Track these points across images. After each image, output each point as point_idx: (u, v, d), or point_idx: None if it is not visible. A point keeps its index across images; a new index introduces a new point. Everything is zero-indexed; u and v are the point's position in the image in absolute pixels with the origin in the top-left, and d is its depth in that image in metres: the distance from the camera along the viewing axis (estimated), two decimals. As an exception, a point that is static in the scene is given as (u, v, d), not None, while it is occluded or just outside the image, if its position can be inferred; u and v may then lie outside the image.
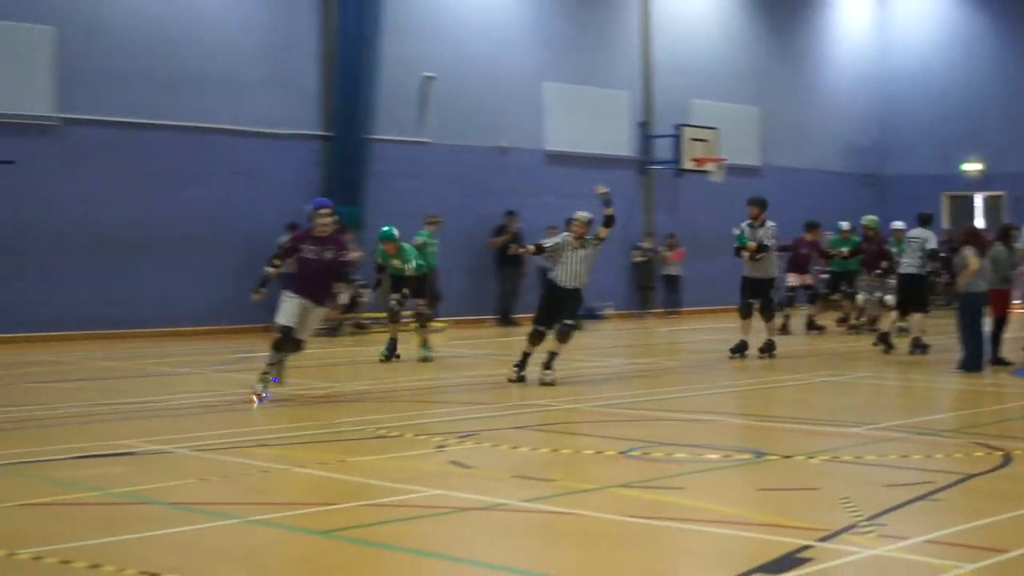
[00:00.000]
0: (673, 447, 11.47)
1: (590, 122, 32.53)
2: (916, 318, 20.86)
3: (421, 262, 19.66)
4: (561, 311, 16.52)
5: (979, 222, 36.76)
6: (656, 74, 34.28)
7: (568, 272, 16.46)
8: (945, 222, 37.96)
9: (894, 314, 21.67)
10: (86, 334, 24.18)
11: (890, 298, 22.60)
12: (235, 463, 10.61)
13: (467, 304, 29.19)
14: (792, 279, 26.26)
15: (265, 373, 14.41)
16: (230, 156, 26.28)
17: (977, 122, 38.70)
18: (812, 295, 26.24)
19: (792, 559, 7.36)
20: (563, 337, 16.43)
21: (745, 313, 20.38)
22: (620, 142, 33.30)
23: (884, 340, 21.12)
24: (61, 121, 24.29)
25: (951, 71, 39.34)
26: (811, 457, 10.91)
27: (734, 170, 33.58)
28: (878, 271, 24.06)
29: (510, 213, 28.48)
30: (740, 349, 20.18)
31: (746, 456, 11.10)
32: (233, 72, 26.36)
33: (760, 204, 20.40)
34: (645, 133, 33.79)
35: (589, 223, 16.60)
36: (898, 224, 24.88)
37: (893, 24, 40.91)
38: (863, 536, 7.96)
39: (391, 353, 19.56)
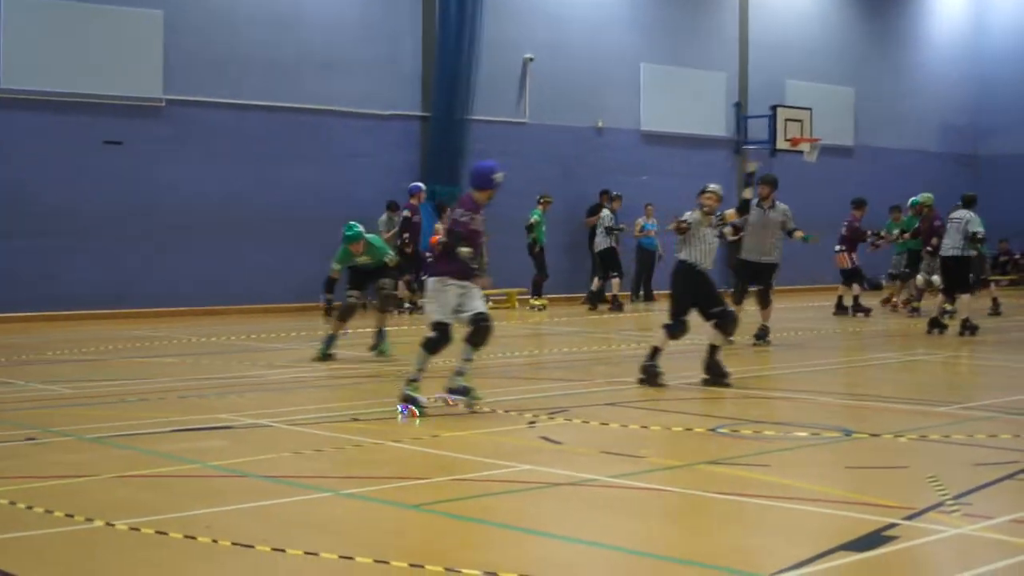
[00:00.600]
0: (762, 424, 11.54)
1: (686, 102, 32.51)
2: (963, 300, 20.68)
3: (390, 251, 17.76)
4: (699, 298, 14.42)
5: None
6: (751, 55, 34.16)
7: (702, 252, 14.33)
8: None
9: (940, 296, 21.41)
10: (188, 310, 24.59)
11: (936, 279, 22.41)
12: (329, 437, 10.79)
13: (562, 282, 29.26)
14: (842, 260, 25.09)
15: (414, 380, 12.02)
16: (330, 136, 26.55)
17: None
18: (851, 275, 24.99)
19: (877, 537, 7.41)
20: (728, 327, 14.62)
21: (740, 299, 19.28)
22: (715, 122, 33.27)
23: (935, 324, 20.71)
24: (167, 102, 24.67)
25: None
26: (899, 436, 10.92)
27: (828, 150, 33.38)
28: (928, 249, 23.69)
29: (605, 192, 28.52)
30: (763, 335, 19.26)
31: (834, 434, 11.11)
32: (334, 54, 26.62)
33: (772, 183, 19.25)
34: (740, 113, 33.71)
35: (721, 199, 14.83)
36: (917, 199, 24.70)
37: (989, 2, 40.46)
38: (949, 515, 7.99)
39: (328, 349, 16.72)
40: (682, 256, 14.40)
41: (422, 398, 11.92)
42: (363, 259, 16.90)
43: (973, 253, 20.79)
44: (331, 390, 14.13)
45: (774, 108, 33.02)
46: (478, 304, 12.11)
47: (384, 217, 25.77)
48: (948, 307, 21.24)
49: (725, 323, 14.39)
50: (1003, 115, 39.45)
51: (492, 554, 7.18)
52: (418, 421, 11.67)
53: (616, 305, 26.92)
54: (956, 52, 39.57)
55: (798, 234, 19.28)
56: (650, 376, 14.17)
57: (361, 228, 16.87)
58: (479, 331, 12.05)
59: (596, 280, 27.38)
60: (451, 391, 12.13)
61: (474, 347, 12.15)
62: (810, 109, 33.49)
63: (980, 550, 7.34)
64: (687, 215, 14.47)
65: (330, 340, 16.67)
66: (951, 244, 20.67)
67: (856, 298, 24.73)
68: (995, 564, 6.97)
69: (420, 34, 27.77)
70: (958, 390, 14.27)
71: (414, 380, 11.96)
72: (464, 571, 6.64)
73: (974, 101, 39.91)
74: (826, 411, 12.78)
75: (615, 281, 27.01)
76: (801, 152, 32.75)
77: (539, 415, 11.94)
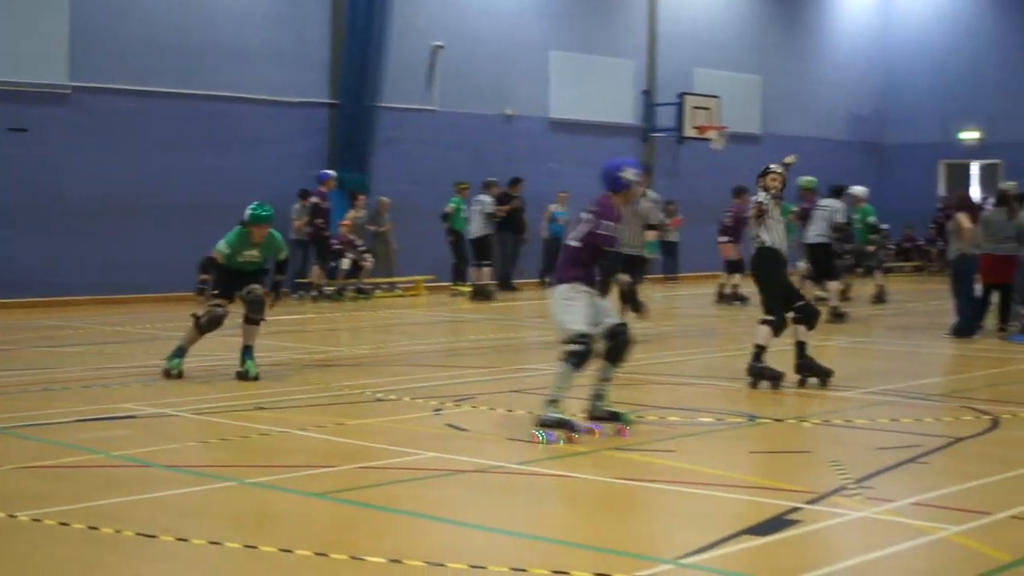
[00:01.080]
0: (667, 410, 11.61)
1: (594, 90, 32.55)
2: (832, 287, 20.79)
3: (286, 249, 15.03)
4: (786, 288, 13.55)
5: (974, 190, 36.94)
6: (660, 43, 34.27)
7: (780, 236, 13.42)
8: (941, 190, 38.34)
9: (833, 284, 21.15)
10: (93, 299, 24.29)
11: (802, 265, 22.27)
12: (235, 426, 10.75)
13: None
14: (727, 250, 24.39)
15: (555, 401, 10.25)
16: (238, 124, 26.30)
17: (975, 92, 38.89)
18: (735, 264, 24.30)
19: (780, 521, 7.50)
20: (812, 321, 13.53)
21: (608, 291, 17.29)
22: (624, 110, 33.35)
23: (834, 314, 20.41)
24: (73, 89, 24.36)
25: (951, 42, 39.45)
26: (802, 420, 11.06)
27: (735, 138, 33.58)
28: None
29: (515, 180, 28.52)
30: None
31: (738, 419, 11.22)
32: (242, 40, 26.37)
33: (647, 171, 17.25)
34: (648, 101, 33.83)
35: (786, 180, 13.84)
36: (856, 189, 24.74)
37: (896, -5, 41.01)
38: (851, 498, 8.10)
39: (179, 364, 13.94)
40: (764, 240, 13.32)
41: (579, 423, 10.29)
42: (252, 253, 13.86)
43: (836, 240, 20.91)
44: (237, 380, 14.04)
45: (682, 96, 33.18)
46: (613, 315, 10.82)
47: (297, 206, 25.63)
48: (820, 294, 21.25)
49: (808, 317, 13.47)
50: (908, 104, 39.97)
51: (397, 542, 7.19)
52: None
53: (483, 294, 25.99)
54: (862, 41, 39.98)
55: (651, 234, 17.26)
56: (764, 376, 13.19)
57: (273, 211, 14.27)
58: (620, 345, 10.55)
59: (476, 270, 26.70)
60: (596, 419, 10.49)
61: (615, 364, 10.60)
62: (718, 97, 33.68)
63: (882, 533, 7.44)
64: (761, 197, 13.50)
65: (181, 352, 13.93)
66: (816, 232, 20.68)
67: (735, 287, 24.37)
68: (896, 547, 7.07)
69: (329, 21, 27.60)
70: (861, 375, 14.41)
71: (555, 401, 10.22)
72: (369, 559, 6.65)
73: (880, 90, 40.37)
74: (730, 397, 12.86)
75: (486, 270, 26.51)
76: (708, 140, 32.96)
77: (445, 402, 11.95)
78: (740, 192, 23.95)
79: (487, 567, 6.56)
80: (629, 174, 10.72)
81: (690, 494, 8.34)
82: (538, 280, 29.31)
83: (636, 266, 16.87)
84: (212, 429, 10.66)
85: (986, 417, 10.98)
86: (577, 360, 10.19)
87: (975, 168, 39.13)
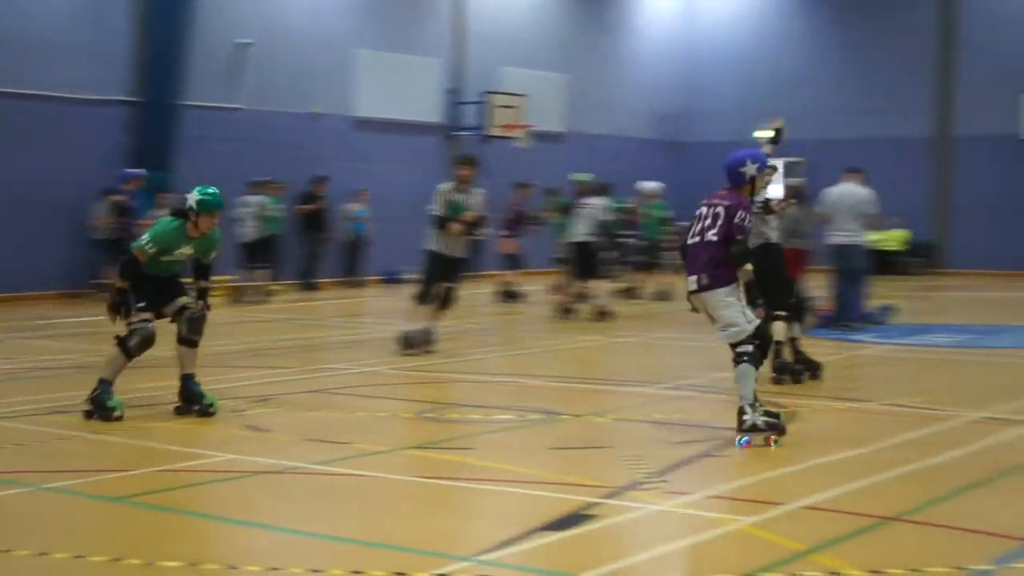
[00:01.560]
0: (468, 408, 11.68)
1: (401, 89, 32.47)
2: (595, 286, 20.81)
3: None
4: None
5: (776, 188, 37.66)
6: (467, 41, 34.36)
7: (782, 231, 13.87)
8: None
9: (600, 284, 21.26)
10: None
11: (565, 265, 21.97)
12: (32, 431, 10.54)
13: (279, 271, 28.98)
14: (507, 245, 24.37)
15: (755, 403, 10.05)
16: (37, 122, 25.74)
17: (776, 91, 39.73)
18: (514, 259, 24.46)
19: (578, 516, 7.59)
20: (805, 316, 13.82)
21: (428, 298, 15.99)
22: (429, 108, 33.33)
23: (600, 313, 20.37)
24: None
25: (753, 41, 40.28)
26: (601, 416, 11.19)
27: (540, 136, 33.85)
28: None
29: (319, 179, 28.35)
30: (420, 340, 15.95)
31: (538, 416, 11.31)
32: (41, 36, 25.73)
33: (471, 163, 16.31)
34: (454, 99, 33.89)
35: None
36: (647, 185, 25.07)
37: (699, -4, 41.68)
38: (647, 492, 8.24)
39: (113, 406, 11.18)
40: (769, 236, 13.32)
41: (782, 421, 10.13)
42: (184, 251, 11.43)
43: (601, 239, 20.87)
44: (35, 382, 13.77)
45: (487, 94, 33.30)
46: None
47: (100, 204, 25.12)
48: (587, 293, 21.09)
49: (801, 313, 13.65)
50: (711, 103, 40.65)
51: (195, 546, 7.14)
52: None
53: (262, 295, 25.25)
54: (667, 41, 40.55)
55: (456, 228, 15.80)
56: (791, 373, 13.33)
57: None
58: (763, 345, 10.48)
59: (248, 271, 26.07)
60: (755, 429, 9.96)
61: (757, 365, 10.28)
62: (525, 96, 33.87)
63: (677, 525, 7.59)
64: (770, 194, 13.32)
65: (108, 387, 11.27)
66: (581, 231, 20.63)
67: (509, 284, 24.23)
68: (692, 538, 7.23)
69: (130, 16, 27.14)
70: (659, 370, 14.63)
71: (755, 403, 9.98)
72: (165, 564, 6.58)
73: (683, 89, 40.98)
74: (531, 393, 12.97)
75: (262, 272, 25.93)
76: (514, 139, 33.13)
77: (245, 403, 11.86)
78: (522, 186, 23.81)
79: (284, 568, 6.54)
80: (750, 168, 10.54)
81: (489, 491, 8.40)
82: (341, 279, 29.15)
83: (457, 270, 16.18)
84: (7, 433, 10.42)
85: (781, 410, 11.21)
86: (758, 358, 10.17)
87: (779, 166, 39.88)
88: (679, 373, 14.29)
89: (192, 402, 11.24)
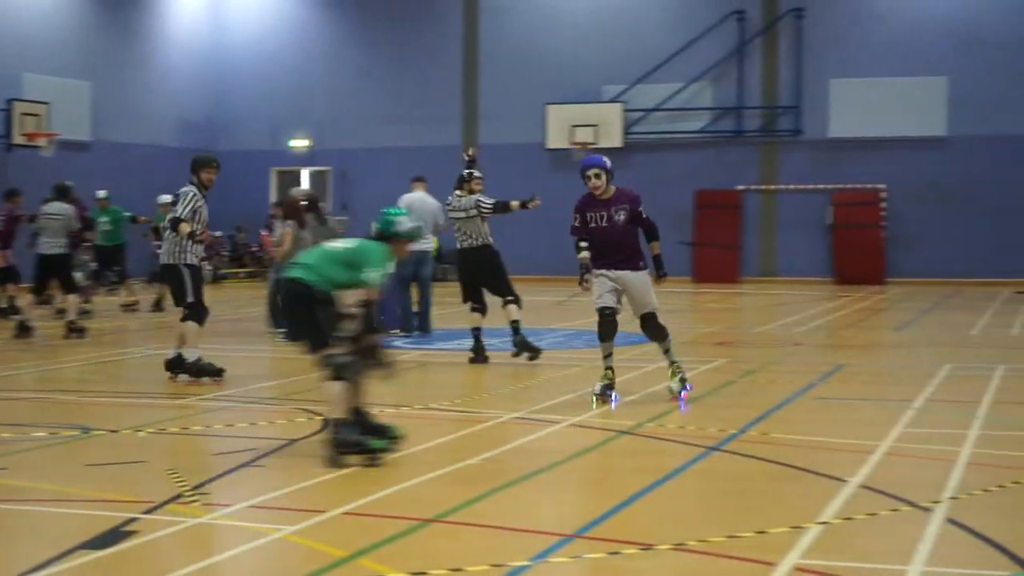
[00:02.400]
0: (-1, 427, 11.28)
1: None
2: (71, 300, 19.73)
3: None
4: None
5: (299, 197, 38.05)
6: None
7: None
8: (273, 197, 39.25)
9: (29, 297, 20.10)
10: None
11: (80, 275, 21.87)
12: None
13: None
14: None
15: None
16: None
17: (304, 101, 40.24)
18: (6, 273, 22.68)
19: (117, 533, 7.47)
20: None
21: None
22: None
23: (22, 328, 19.38)
24: None
25: (281, 51, 40.54)
26: (138, 430, 10.99)
27: (65, 145, 33.05)
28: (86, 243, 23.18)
29: None
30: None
31: (73, 432, 11.02)
32: None
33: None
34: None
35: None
36: (101, 193, 24.74)
37: (227, 3, 41.42)
38: (188, 505, 8.15)
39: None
40: (482, 240, 16.00)
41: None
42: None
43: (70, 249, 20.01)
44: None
45: (10, 102, 32.26)
46: None
47: None
48: (64, 307, 20.57)
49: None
50: (240, 111, 40.65)
51: None
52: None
53: None
54: (194, 49, 40.19)
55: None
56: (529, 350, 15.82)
57: None
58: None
59: None
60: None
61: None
62: (47, 103, 32.98)
63: (219, 537, 7.56)
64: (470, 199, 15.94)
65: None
66: (50, 242, 19.54)
67: (12, 298, 22.71)
68: (233, 550, 7.20)
69: None
70: (198, 383, 14.47)
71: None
72: None
73: (212, 97, 40.75)
74: (65, 410, 12.64)
75: None
76: (38, 147, 32.22)
77: None
78: (11, 196, 22.82)
79: None
80: None
81: (26, 512, 8.13)
82: None
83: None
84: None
85: (318, 417, 11.31)
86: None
87: (305, 175, 40.22)
88: (221, 384, 14.15)
89: None
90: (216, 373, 14.18)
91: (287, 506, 8.22)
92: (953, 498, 8.26)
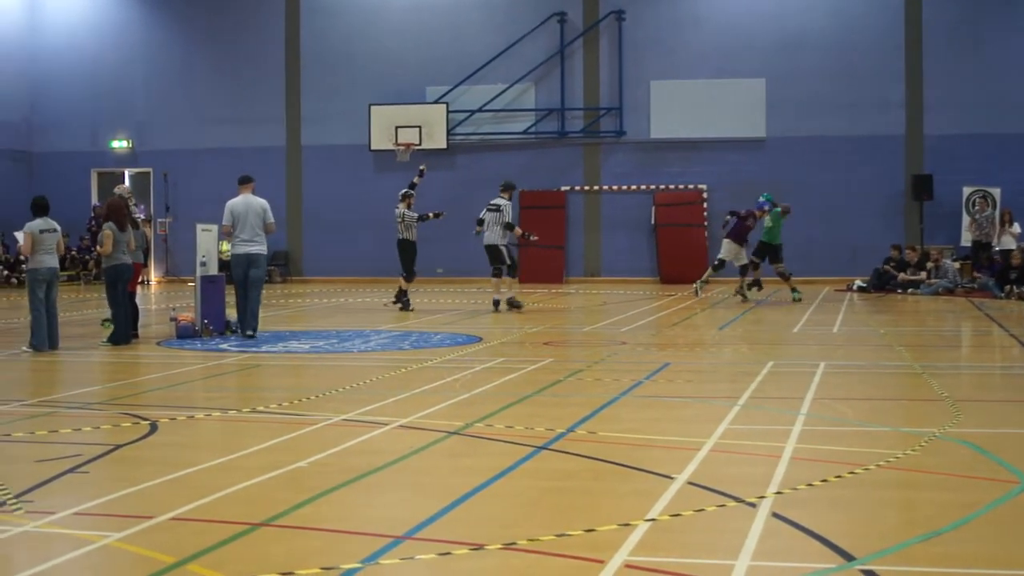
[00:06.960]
0: None
1: None
2: None
3: None
4: None
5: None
6: None
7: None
8: (95, 199, 38.72)
9: None
10: None
11: None
12: None
13: None
14: None
15: None
16: None
17: (126, 102, 39.78)
18: None
19: (-62, 542, 7.30)
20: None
21: None
22: None
23: None
24: None
25: (101, 52, 40.02)
26: (-45, 439, 10.78)
27: None
28: None
29: None
30: None
31: None
32: None
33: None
34: None
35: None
36: None
37: (43, 3, 40.73)
38: (11, 513, 7.99)
39: None
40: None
41: None
42: None
43: None
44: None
45: None
46: None
47: None
48: None
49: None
50: (59, 112, 40.06)
51: None
52: None
53: None
54: (9, 50, 39.46)
55: None
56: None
57: None
58: None
59: None
60: None
61: None
62: None
63: (43, 546, 7.41)
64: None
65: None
66: None
67: None
68: (59, 559, 7.07)
69: None
70: (17, 387, 14.20)
71: None
72: None
73: (28, 97, 40.06)
74: None
75: None
76: None
77: None
78: None
79: None
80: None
81: None
82: None
83: None
84: None
85: (144, 422, 11.16)
86: None
87: (127, 176, 39.71)
88: (42, 389, 13.96)
89: None
90: None
91: (114, 512, 8.10)
92: (778, 493, 8.43)
